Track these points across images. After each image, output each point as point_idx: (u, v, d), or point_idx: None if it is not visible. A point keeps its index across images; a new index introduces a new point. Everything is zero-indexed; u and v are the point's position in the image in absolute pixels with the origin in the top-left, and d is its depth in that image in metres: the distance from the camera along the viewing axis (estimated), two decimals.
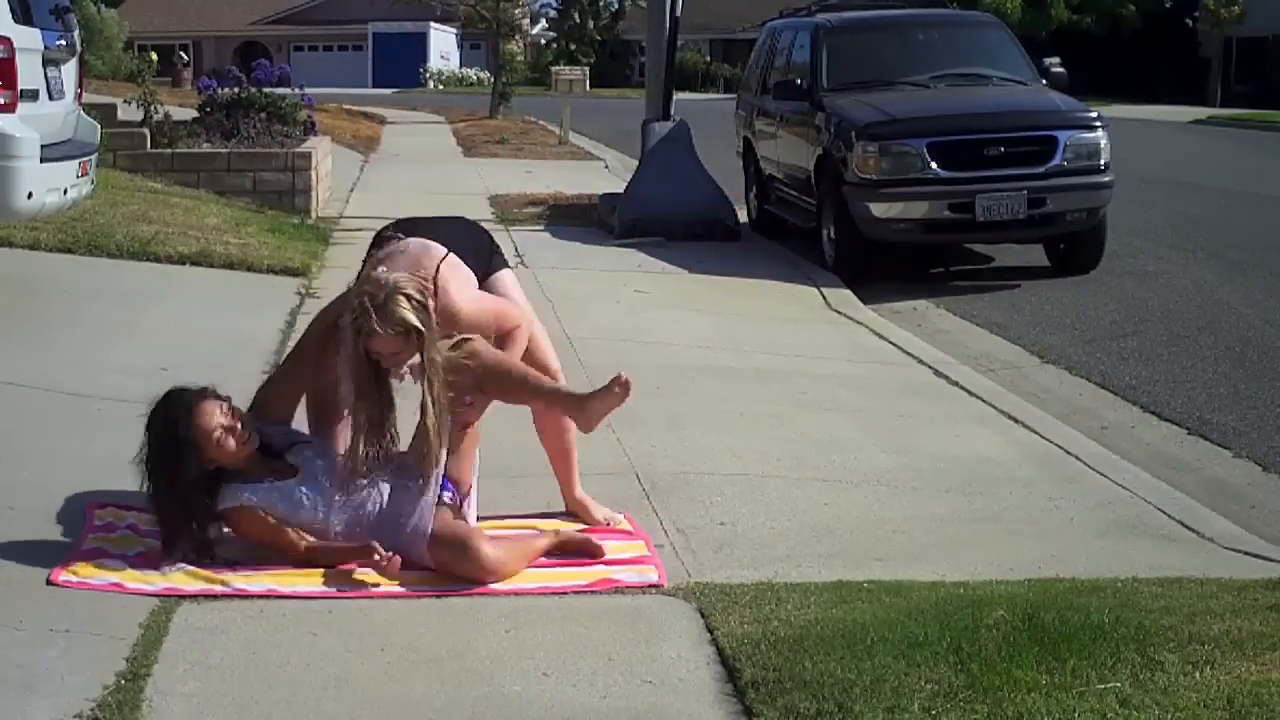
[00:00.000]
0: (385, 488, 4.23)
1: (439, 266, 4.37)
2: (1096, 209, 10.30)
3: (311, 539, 4.16)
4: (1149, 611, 3.74)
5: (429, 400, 4.17)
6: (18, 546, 4.09)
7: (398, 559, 4.02)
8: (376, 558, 3.99)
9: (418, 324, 4.10)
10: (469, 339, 4.31)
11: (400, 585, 4.01)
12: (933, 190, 10.19)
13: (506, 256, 4.96)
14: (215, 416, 4.11)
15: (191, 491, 4.09)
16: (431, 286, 4.24)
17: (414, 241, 4.50)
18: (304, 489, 4.20)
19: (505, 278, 4.77)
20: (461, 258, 4.50)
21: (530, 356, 4.58)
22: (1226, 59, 45.98)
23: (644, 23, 14.38)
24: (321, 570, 4.09)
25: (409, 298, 4.13)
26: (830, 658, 3.41)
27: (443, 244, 4.47)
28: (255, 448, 4.18)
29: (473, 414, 4.36)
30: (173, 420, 4.08)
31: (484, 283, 4.65)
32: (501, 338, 4.46)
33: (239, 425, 4.14)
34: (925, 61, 11.82)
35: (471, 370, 4.26)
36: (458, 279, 4.43)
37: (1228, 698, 3.15)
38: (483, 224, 5.32)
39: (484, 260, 4.70)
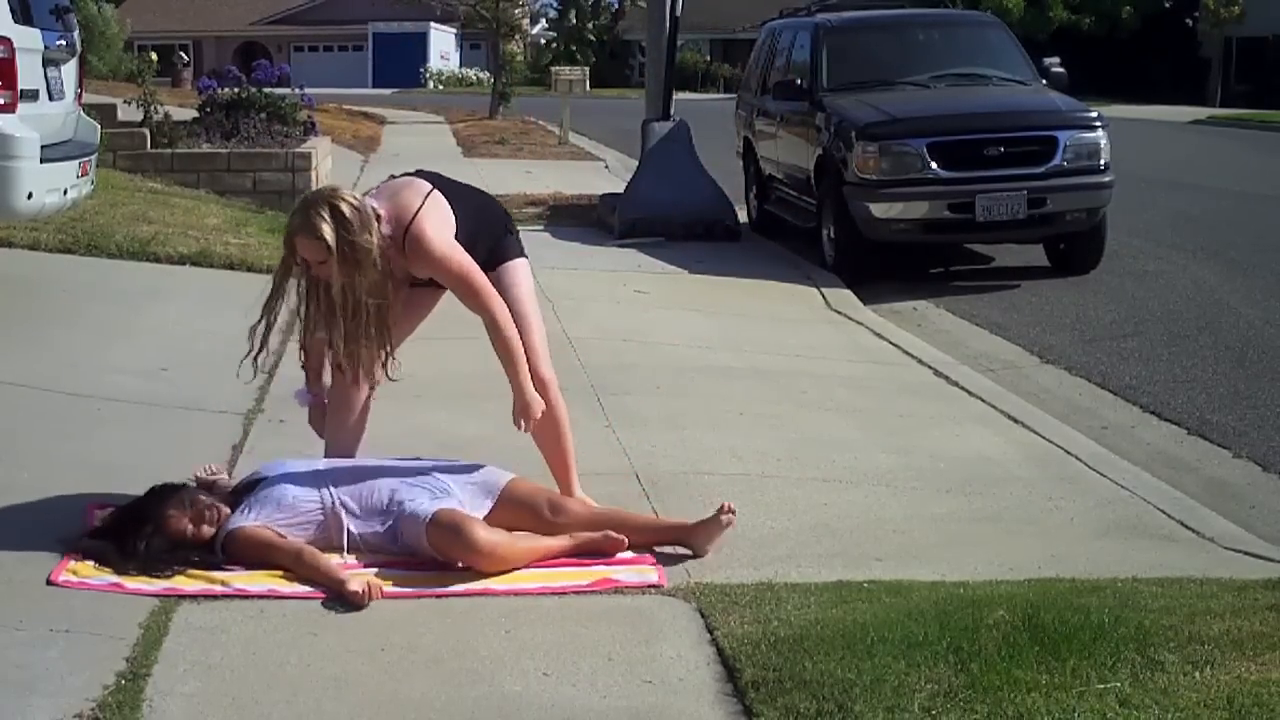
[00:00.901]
0: (392, 481, 4.24)
1: (423, 200, 4.31)
2: (1096, 209, 10.30)
3: (302, 544, 4.07)
4: (1149, 611, 3.74)
5: (333, 317, 4.24)
6: (18, 547, 4.08)
7: (379, 589, 3.92)
8: (356, 591, 3.87)
9: (328, 238, 4.10)
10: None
11: (400, 586, 4.00)
12: (933, 190, 10.19)
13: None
14: (184, 521, 4.09)
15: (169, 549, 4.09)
16: (370, 210, 4.19)
17: (404, 177, 4.48)
18: (281, 484, 4.20)
19: (516, 268, 4.60)
20: (459, 219, 4.39)
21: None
22: (1226, 59, 45.96)
23: (644, 23, 14.38)
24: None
25: (335, 211, 4.12)
26: (830, 658, 3.41)
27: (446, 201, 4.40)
28: (227, 512, 4.17)
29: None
30: (145, 532, 4.06)
31: (493, 266, 4.52)
32: (484, 316, 4.35)
33: (208, 511, 4.13)
34: (925, 61, 11.82)
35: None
36: (436, 215, 4.32)
37: (1228, 698, 3.15)
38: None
39: (495, 236, 4.57)
